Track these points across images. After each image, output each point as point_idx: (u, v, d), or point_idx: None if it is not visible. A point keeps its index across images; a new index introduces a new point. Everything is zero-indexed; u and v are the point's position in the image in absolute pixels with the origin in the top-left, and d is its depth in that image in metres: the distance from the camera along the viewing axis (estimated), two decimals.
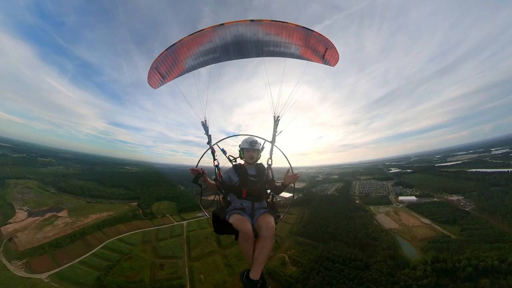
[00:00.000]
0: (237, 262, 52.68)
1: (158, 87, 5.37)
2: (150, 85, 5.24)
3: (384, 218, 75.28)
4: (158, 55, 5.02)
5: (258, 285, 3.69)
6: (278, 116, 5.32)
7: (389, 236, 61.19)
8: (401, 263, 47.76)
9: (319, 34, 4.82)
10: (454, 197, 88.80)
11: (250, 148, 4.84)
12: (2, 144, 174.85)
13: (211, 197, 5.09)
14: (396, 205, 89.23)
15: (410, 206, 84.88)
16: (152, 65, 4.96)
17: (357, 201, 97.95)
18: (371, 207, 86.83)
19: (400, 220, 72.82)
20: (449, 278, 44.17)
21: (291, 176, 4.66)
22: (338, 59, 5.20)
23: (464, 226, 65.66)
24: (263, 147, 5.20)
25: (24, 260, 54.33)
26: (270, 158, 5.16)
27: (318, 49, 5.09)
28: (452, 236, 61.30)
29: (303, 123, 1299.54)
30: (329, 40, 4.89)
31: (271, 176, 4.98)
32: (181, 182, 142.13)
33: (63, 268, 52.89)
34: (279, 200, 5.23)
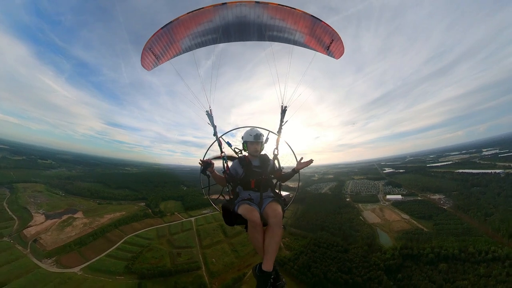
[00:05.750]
0: (242, 247, 66.62)
1: (152, 68, 5.34)
2: (144, 67, 5.21)
3: (370, 214, 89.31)
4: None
5: (272, 277, 3.75)
6: (286, 106, 5.45)
7: (370, 228, 75.63)
8: (375, 249, 61.79)
9: (326, 24, 4.92)
10: (436, 196, 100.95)
11: (254, 141, 5.07)
12: (0, 146, 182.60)
13: (217, 196, 5.27)
14: (382, 203, 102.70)
15: (395, 204, 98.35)
16: (145, 45, 4.90)
17: (347, 199, 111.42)
18: (360, 205, 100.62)
19: (383, 216, 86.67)
20: (413, 261, 57.69)
21: (304, 162, 4.90)
22: (343, 52, 5.30)
23: (437, 221, 78.37)
24: (267, 139, 5.37)
25: (54, 258, 62.73)
26: (276, 148, 5.29)
27: (323, 39, 5.19)
28: (424, 229, 74.71)
29: (301, 123, 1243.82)
30: (336, 32, 4.99)
31: (277, 166, 5.20)
32: (182, 182, 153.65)
33: (92, 262, 62.61)
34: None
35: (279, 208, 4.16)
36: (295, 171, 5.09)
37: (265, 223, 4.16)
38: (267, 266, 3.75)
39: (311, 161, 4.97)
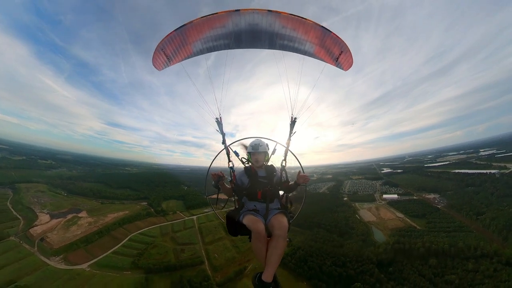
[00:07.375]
0: (242, 243, 70.43)
1: (163, 69, 5.46)
2: (155, 66, 5.32)
3: (366, 213, 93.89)
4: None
5: None
6: (295, 118, 5.45)
7: (366, 226, 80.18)
8: (369, 244, 66.20)
9: (336, 36, 5.05)
10: (431, 196, 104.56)
11: (255, 152, 5.20)
12: (0, 146, 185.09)
13: (220, 196, 5.22)
14: (379, 202, 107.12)
15: (391, 203, 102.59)
16: (158, 45, 5.03)
17: (344, 199, 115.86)
18: (357, 204, 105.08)
19: (379, 214, 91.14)
20: (405, 256, 61.71)
21: (302, 177, 4.78)
22: (352, 64, 5.39)
23: (430, 219, 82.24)
24: (274, 149, 5.42)
25: (61, 256, 65.43)
26: (284, 159, 5.33)
27: (333, 50, 5.31)
28: (417, 227, 78.95)
29: (301, 124, 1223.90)
30: (345, 44, 5.11)
31: (284, 177, 5.19)
32: (182, 182, 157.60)
33: (99, 258, 65.78)
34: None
35: (285, 220, 4.18)
36: (296, 184, 4.97)
37: (269, 235, 4.21)
38: (267, 277, 3.81)
39: (307, 178, 4.88)
